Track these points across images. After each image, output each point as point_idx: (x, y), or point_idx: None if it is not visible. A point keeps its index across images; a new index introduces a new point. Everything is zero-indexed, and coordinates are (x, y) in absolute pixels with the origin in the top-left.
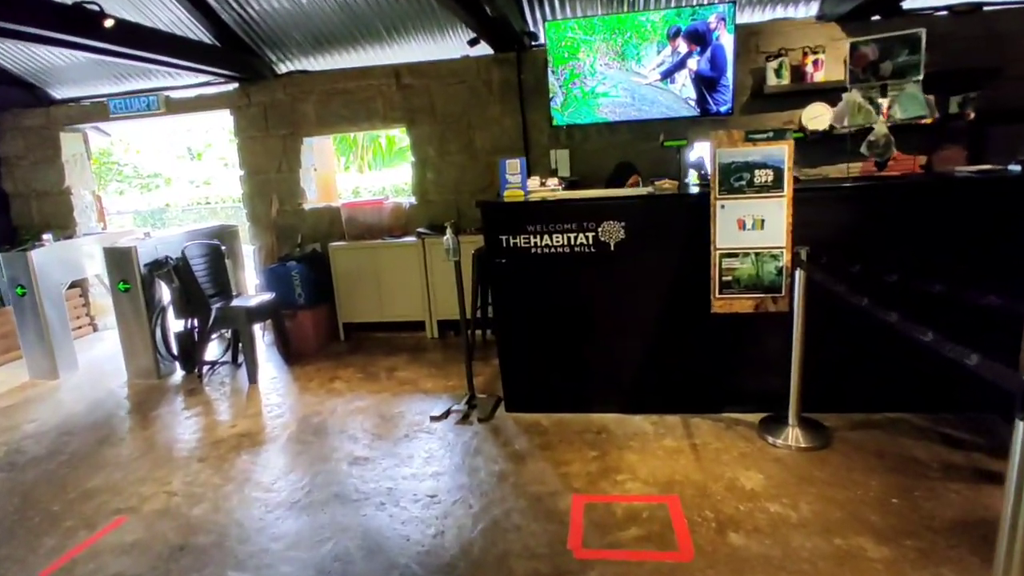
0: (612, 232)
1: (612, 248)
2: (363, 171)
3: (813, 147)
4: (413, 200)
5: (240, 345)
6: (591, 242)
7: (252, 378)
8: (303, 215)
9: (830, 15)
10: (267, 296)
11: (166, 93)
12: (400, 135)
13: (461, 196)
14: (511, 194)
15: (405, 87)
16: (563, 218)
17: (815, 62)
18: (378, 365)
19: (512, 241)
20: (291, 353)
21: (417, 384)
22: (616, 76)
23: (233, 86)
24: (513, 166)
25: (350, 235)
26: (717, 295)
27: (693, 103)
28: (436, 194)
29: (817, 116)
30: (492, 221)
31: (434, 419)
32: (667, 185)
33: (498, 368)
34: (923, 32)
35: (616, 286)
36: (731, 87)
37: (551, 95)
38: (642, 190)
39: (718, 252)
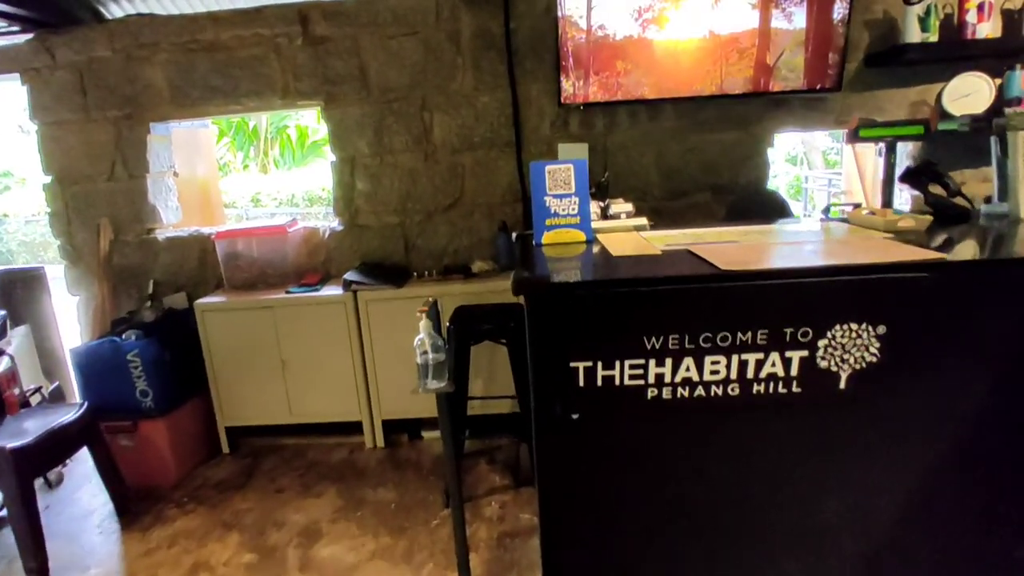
0: (851, 349)
1: (843, 385)
2: (267, 170)
3: (953, 142)
4: (336, 224)
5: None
6: (797, 373)
7: None
8: (155, 248)
9: None
10: (66, 415)
11: None
12: (315, 121)
13: (411, 218)
14: (558, 238)
15: (318, 41)
16: (734, 318)
17: (980, 7)
18: (285, 523)
19: (603, 374)
20: (128, 497)
21: None
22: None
23: (25, 38)
24: (560, 176)
25: (232, 283)
26: None
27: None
28: (372, 215)
29: (970, 94)
30: (555, 324)
31: None
32: (910, 222)
33: (498, 530)
34: None
35: (842, 467)
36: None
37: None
38: (890, 245)
39: None
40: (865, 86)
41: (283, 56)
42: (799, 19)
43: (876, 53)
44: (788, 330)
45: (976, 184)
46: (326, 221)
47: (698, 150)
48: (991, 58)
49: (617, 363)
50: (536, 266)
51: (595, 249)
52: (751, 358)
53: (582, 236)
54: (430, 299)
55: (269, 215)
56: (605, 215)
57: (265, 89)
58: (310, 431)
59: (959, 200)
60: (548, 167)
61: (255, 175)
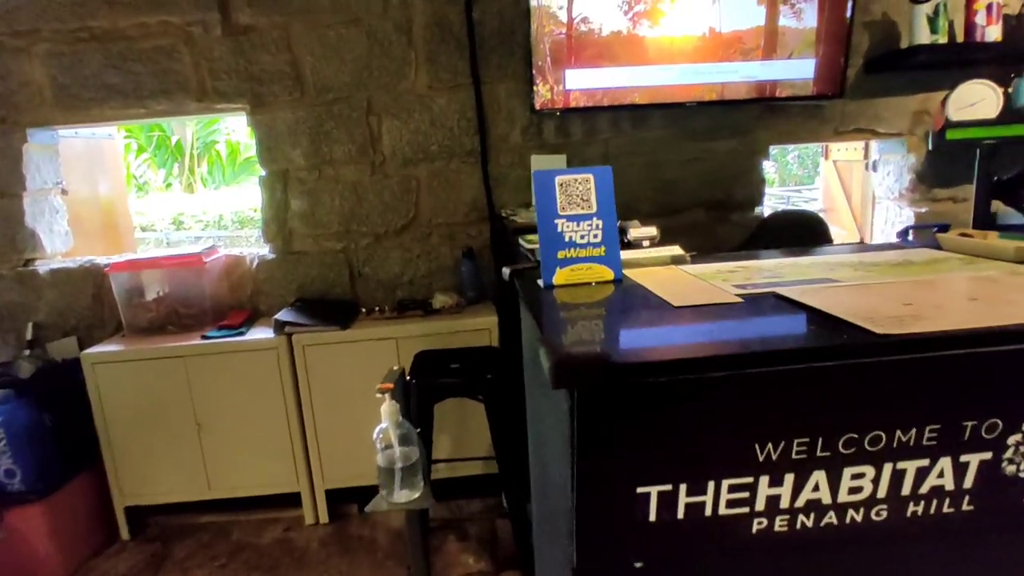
0: None
1: None
2: (193, 189)
3: (956, 154)
4: (266, 251)
5: None
6: (972, 485)
7: None
8: (36, 283)
9: None
10: None
11: None
12: (248, 136)
13: (357, 242)
14: (575, 277)
15: (241, 31)
16: (894, 408)
17: (989, 8)
18: None
19: (687, 502)
20: None
21: None
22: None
23: None
24: (576, 190)
25: (134, 327)
26: None
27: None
28: (309, 239)
29: (976, 103)
30: (619, 430)
31: None
32: None
33: None
34: None
35: None
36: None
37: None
38: None
39: None
40: (865, 93)
41: (198, 49)
42: (810, 17)
43: (882, 56)
44: (969, 423)
45: None
46: (257, 247)
47: (691, 162)
48: (993, 65)
49: (711, 484)
50: (563, 328)
51: (633, 292)
52: (910, 466)
53: (609, 273)
54: (395, 367)
55: (193, 239)
56: (623, 243)
57: (175, 89)
58: (236, 506)
59: None
60: (559, 178)
61: (179, 195)
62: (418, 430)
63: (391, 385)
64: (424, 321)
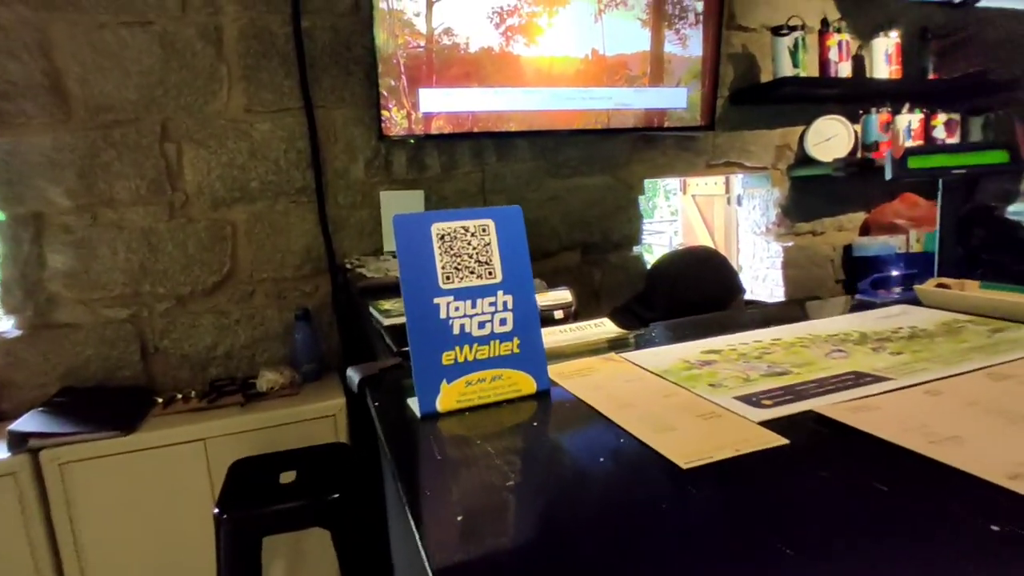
0: None
1: None
2: None
3: (814, 188)
4: (9, 327)
5: None
6: None
7: None
8: None
9: None
10: None
11: None
12: None
13: (151, 307)
14: (474, 396)
15: None
16: None
17: (840, 45)
18: None
19: None
20: None
21: None
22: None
23: None
24: (465, 245)
25: None
26: None
27: (685, 98)
28: (80, 307)
29: (831, 138)
30: None
31: None
32: None
33: None
34: None
35: None
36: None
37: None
38: None
39: None
40: (732, 126)
41: None
42: (695, 45)
43: (749, 88)
44: None
45: (833, 233)
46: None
47: (563, 198)
48: (843, 102)
49: None
50: None
51: (582, 425)
52: None
53: (529, 384)
54: None
55: None
56: (558, 313)
57: None
58: None
59: None
60: (438, 226)
61: None
62: None
63: None
64: (244, 411)
